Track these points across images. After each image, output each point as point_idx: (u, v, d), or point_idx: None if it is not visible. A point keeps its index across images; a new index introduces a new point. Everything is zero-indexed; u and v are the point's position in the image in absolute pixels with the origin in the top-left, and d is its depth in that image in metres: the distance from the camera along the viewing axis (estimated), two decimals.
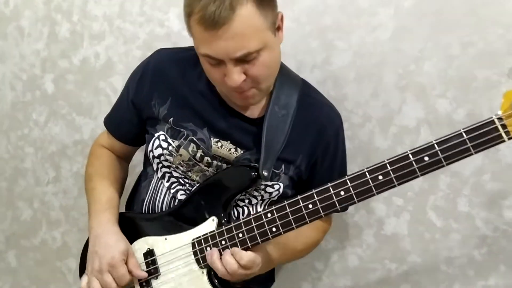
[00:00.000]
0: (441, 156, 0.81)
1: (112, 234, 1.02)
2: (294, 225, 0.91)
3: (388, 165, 0.84)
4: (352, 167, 1.26)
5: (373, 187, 0.85)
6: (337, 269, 1.35)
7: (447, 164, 0.81)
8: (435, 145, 0.81)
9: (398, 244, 1.27)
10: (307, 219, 0.90)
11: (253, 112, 1.03)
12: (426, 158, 0.82)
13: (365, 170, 0.86)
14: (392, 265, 1.29)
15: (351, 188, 0.87)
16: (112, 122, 1.16)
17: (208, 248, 0.97)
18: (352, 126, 1.25)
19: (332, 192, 0.88)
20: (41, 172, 1.61)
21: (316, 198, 0.89)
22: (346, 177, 0.87)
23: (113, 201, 1.08)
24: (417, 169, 0.82)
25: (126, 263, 0.99)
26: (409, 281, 1.29)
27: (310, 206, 0.89)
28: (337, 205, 0.88)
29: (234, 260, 0.91)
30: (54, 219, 1.63)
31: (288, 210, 0.91)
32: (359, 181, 0.86)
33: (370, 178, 0.85)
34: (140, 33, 1.40)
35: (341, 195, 0.87)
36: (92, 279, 0.99)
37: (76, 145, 1.55)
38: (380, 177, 0.85)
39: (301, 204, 0.90)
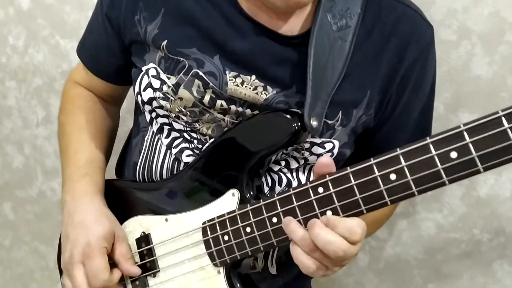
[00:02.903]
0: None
1: (90, 211, 0.70)
2: (363, 208, 0.56)
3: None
4: (436, 105, 0.89)
5: None
6: (406, 238, 1.03)
7: None
8: None
9: (496, 210, 0.94)
10: (387, 198, 0.54)
11: (292, 26, 0.66)
12: None
13: (501, 113, 0.48)
14: (483, 236, 0.97)
15: (471, 147, 0.49)
16: (86, 50, 0.81)
17: (226, 237, 0.64)
18: (441, 45, 0.87)
19: (434, 153, 0.51)
20: (28, 112, 1.30)
21: (403, 164, 0.53)
22: (462, 127, 0.49)
23: (94, 163, 0.76)
24: None
25: (112, 252, 0.70)
26: (505, 256, 0.97)
27: (393, 177, 0.53)
28: (444, 175, 0.51)
29: (329, 232, 0.55)
30: (50, 167, 1.35)
31: (353, 182, 0.56)
32: (487, 134, 0.48)
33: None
34: None
35: (452, 159, 0.50)
36: (64, 273, 0.70)
37: (64, 76, 1.22)
38: None
39: (377, 174, 0.54)
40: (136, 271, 0.70)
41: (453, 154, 0.50)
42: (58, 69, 1.21)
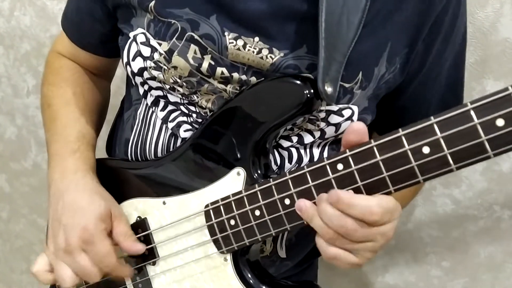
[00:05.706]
0: None
1: (82, 190, 0.63)
2: (391, 188, 0.49)
3: None
4: None
5: None
6: (420, 214, 0.97)
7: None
8: None
9: None
10: (419, 176, 0.47)
11: None
12: None
13: None
14: (504, 213, 0.91)
15: None
16: (68, 20, 0.74)
17: (233, 221, 0.58)
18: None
19: (476, 121, 0.44)
20: (18, 79, 1.23)
21: (439, 135, 0.45)
22: (511, 89, 0.42)
23: (86, 138, 0.69)
24: None
25: (110, 233, 0.63)
26: None
27: (426, 150, 0.46)
28: (488, 147, 0.44)
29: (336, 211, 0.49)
30: (44, 139, 1.28)
31: (379, 157, 0.48)
32: None
33: None
34: None
35: (498, 128, 0.43)
36: (57, 263, 0.62)
37: (53, 41, 1.13)
38: None
39: (407, 147, 0.47)
40: (140, 247, 0.63)
41: (500, 122, 0.43)
42: (46, 33, 1.13)
